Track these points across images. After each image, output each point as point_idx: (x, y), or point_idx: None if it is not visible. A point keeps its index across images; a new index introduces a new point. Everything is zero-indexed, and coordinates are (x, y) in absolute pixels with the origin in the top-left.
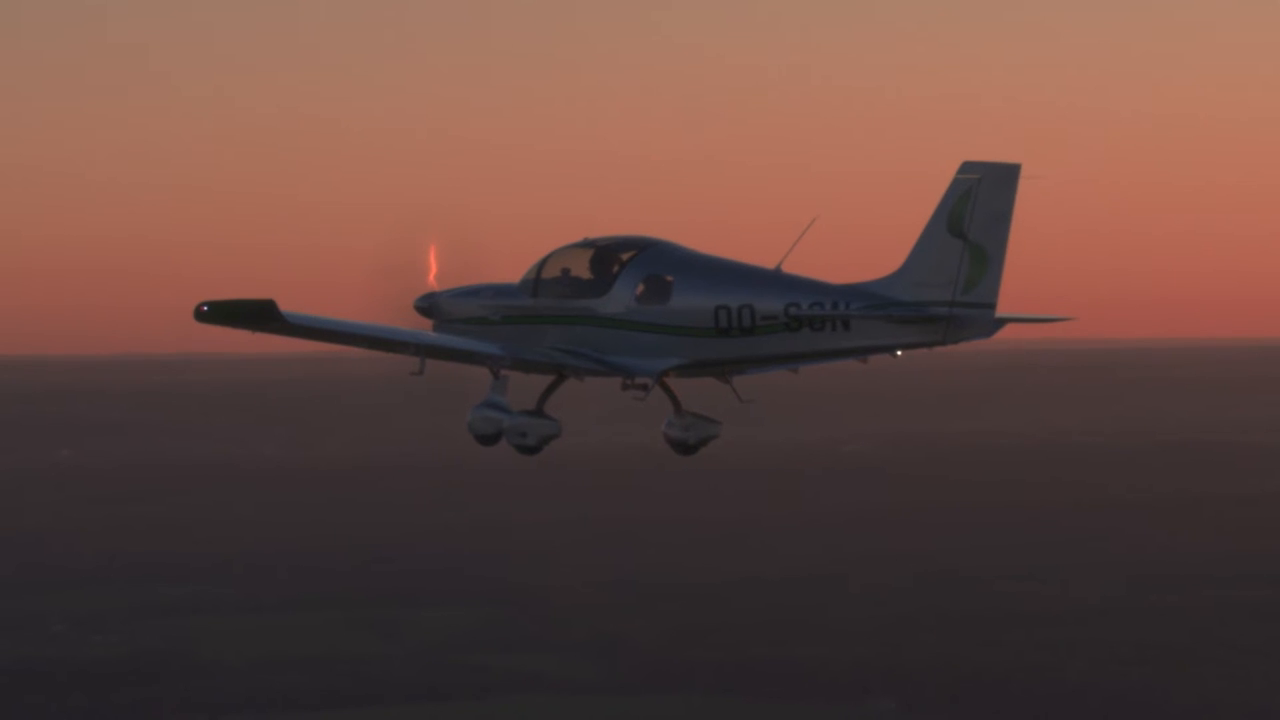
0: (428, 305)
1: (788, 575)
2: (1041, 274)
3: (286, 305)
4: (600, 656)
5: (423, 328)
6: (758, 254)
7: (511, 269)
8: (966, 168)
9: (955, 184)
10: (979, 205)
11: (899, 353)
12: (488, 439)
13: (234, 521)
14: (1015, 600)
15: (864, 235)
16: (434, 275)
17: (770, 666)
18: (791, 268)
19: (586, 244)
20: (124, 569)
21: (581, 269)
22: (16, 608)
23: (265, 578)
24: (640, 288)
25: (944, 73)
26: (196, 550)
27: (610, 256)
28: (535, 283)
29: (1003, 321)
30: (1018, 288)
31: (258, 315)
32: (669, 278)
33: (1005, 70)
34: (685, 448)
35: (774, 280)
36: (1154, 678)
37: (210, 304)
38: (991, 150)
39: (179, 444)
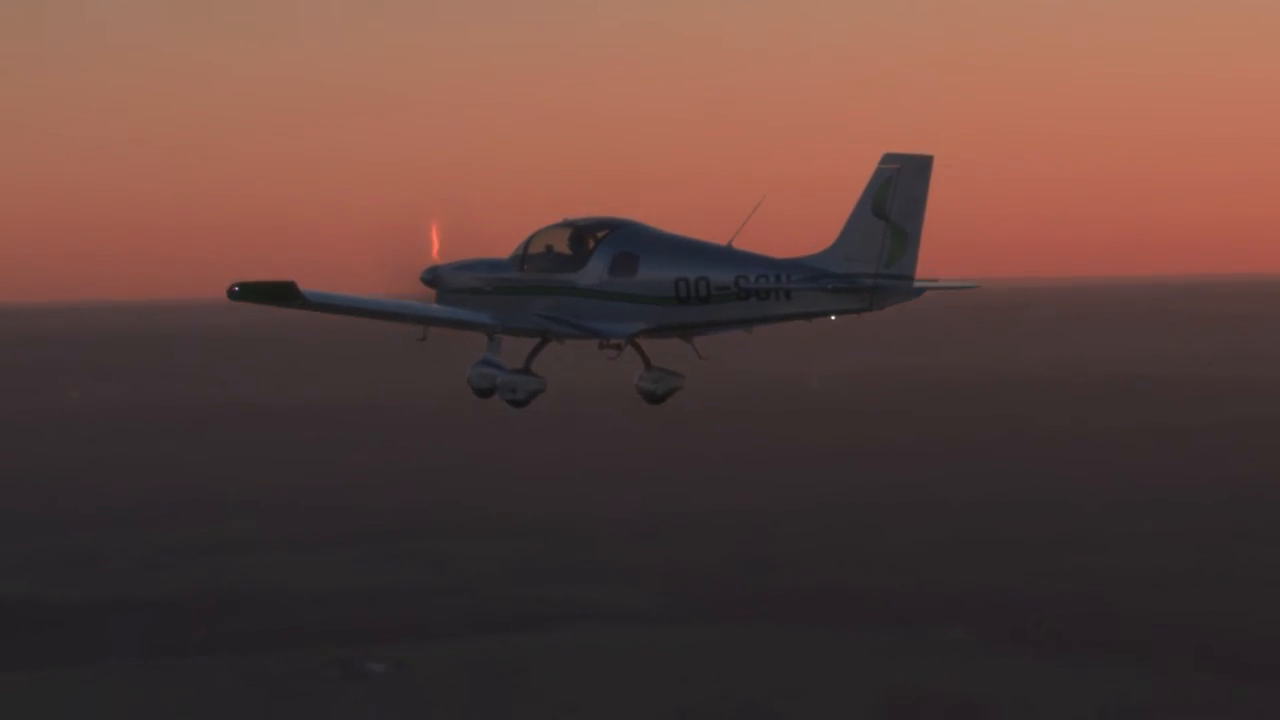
0: (432, 278)
1: (813, 507)
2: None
3: (304, 262)
4: (653, 586)
5: (428, 296)
6: (712, 228)
7: (502, 245)
8: (888, 159)
9: (878, 173)
10: (898, 191)
11: (833, 317)
12: (484, 392)
13: (259, 460)
14: (1036, 528)
15: (801, 215)
16: (436, 250)
17: (830, 594)
18: (742, 243)
19: (566, 224)
20: (165, 508)
21: (562, 246)
22: (69, 546)
23: (308, 515)
24: (611, 262)
25: (865, 75)
26: (229, 489)
27: (586, 235)
28: (522, 258)
29: (920, 290)
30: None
31: (280, 294)
32: (636, 254)
33: (921, 66)
34: (654, 398)
35: (726, 256)
36: (1191, 600)
37: (240, 285)
38: (909, 143)
39: (182, 387)
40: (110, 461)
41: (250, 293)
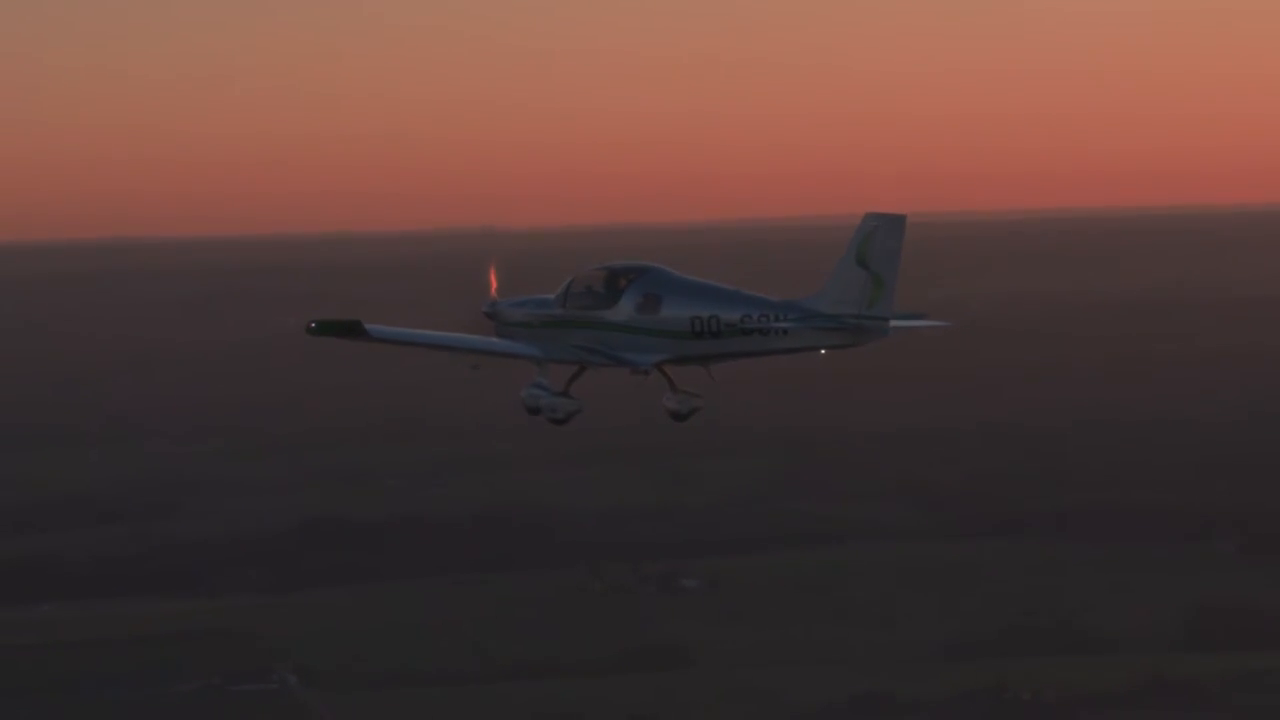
0: (491, 311)
1: (1031, 426)
2: None
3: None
4: (908, 504)
5: (488, 327)
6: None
7: (550, 282)
8: (869, 218)
9: (860, 228)
10: (877, 245)
11: (823, 351)
12: (533, 410)
13: (482, 383)
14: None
15: (795, 261)
16: (494, 289)
17: (1096, 510)
18: (749, 286)
19: (601, 267)
20: (410, 428)
21: (598, 286)
22: (337, 466)
23: (543, 436)
24: (639, 302)
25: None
26: (465, 411)
27: (618, 277)
28: (564, 296)
29: (894, 328)
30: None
31: (349, 331)
32: (660, 295)
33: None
34: (678, 416)
35: (734, 297)
36: None
37: (316, 322)
38: (886, 204)
39: (409, 314)
40: (347, 387)
41: (324, 329)
